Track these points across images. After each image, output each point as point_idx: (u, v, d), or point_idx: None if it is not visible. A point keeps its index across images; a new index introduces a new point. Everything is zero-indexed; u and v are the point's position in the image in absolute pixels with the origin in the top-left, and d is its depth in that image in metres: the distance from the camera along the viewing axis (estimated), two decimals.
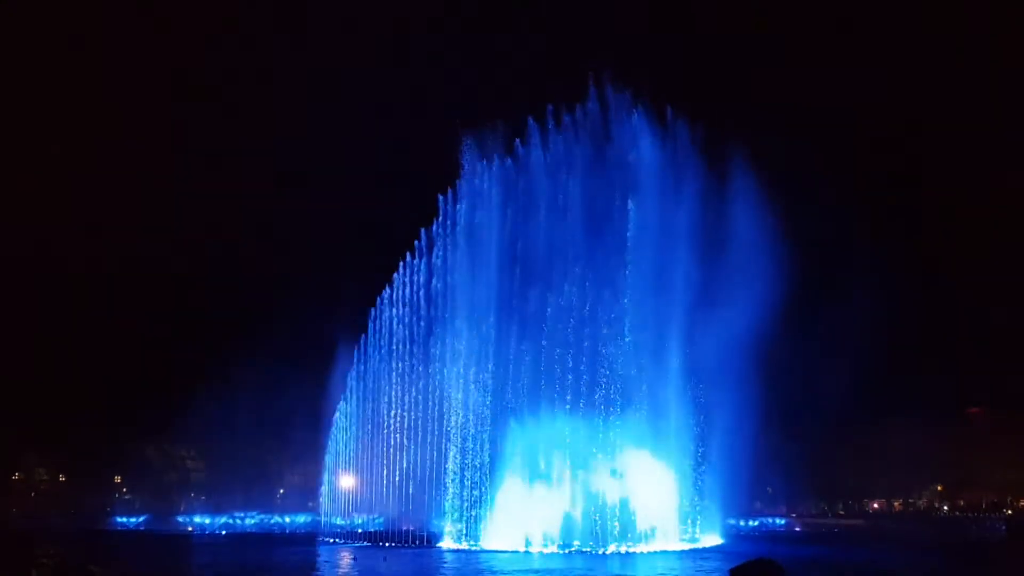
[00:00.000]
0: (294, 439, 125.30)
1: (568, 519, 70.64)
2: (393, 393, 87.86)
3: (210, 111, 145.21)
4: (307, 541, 79.91)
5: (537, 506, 71.12)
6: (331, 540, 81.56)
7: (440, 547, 72.41)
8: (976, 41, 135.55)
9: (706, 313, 76.21)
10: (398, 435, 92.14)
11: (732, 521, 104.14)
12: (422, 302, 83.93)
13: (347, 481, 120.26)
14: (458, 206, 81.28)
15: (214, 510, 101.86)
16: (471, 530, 75.41)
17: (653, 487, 71.61)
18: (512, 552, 65.72)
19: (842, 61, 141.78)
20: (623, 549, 67.08)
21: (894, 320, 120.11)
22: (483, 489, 76.53)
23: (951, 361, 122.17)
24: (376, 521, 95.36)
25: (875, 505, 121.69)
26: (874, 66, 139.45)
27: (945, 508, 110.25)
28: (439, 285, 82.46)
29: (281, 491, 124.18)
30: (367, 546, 75.36)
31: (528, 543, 68.95)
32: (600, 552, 66.15)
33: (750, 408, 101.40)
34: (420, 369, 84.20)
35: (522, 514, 71.12)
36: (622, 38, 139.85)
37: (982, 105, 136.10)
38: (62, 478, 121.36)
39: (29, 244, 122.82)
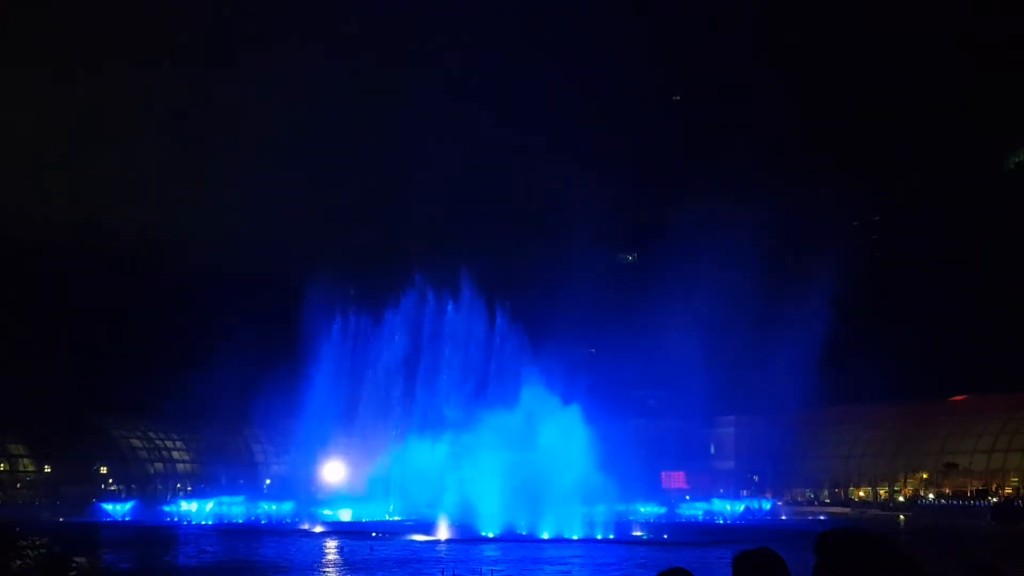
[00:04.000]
0: (279, 428, 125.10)
1: None
2: None
3: None
4: (292, 531, 79.58)
5: None
6: (317, 530, 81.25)
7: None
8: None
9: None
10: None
11: (720, 510, 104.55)
12: None
13: (333, 471, 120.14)
14: None
15: (200, 500, 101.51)
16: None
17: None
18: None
19: None
20: None
21: (877, 308, 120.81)
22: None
23: (935, 348, 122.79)
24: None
25: (860, 493, 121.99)
26: None
27: (931, 496, 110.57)
28: None
29: (267, 481, 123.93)
30: (355, 535, 75.01)
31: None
32: None
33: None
34: None
35: None
36: None
37: None
38: (47, 469, 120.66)
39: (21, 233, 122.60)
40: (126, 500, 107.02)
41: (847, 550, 4.59)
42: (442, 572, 43.47)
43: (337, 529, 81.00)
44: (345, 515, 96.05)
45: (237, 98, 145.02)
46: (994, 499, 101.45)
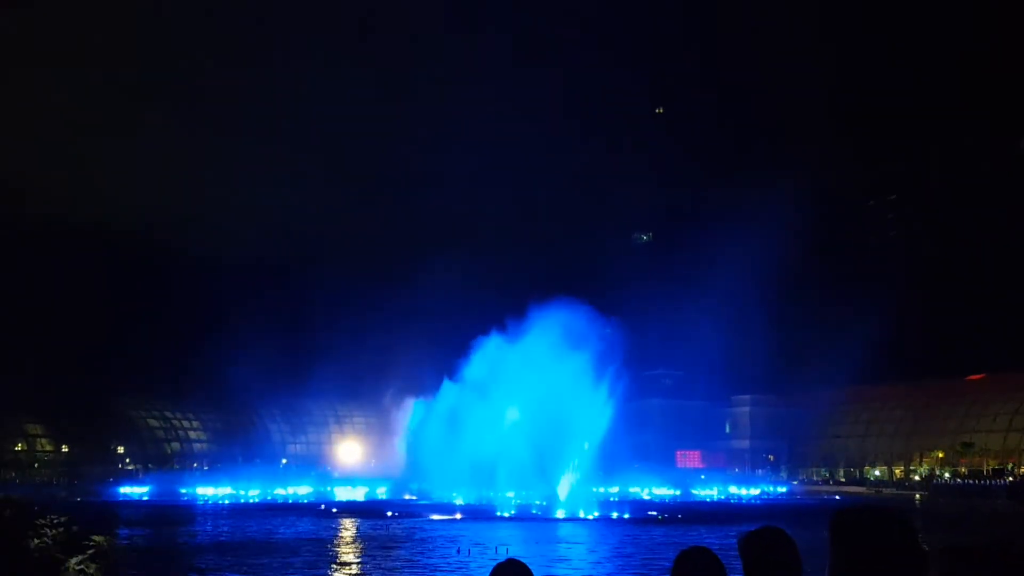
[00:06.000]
0: (295, 409, 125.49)
1: None
2: None
3: None
4: (309, 511, 79.88)
5: None
6: (333, 509, 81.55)
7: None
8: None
9: None
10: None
11: (735, 489, 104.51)
12: None
13: (349, 451, 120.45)
14: None
15: (216, 480, 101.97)
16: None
17: None
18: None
19: None
20: None
21: (895, 288, 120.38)
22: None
23: (950, 328, 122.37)
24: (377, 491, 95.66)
25: (876, 472, 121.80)
26: None
27: (947, 475, 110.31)
28: None
29: (284, 461, 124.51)
30: (371, 514, 75.26)
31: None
32: None
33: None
34: None
35: None
36: None
37: None
38: (65, 449, 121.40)
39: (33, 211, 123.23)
40: (143, 480, 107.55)
41: (864, 529, 4.51)
42: (457, 550, 43.62)
43: (353, 508, 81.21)
44: (361, 495, 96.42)
45: (246, 90, 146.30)
46: (1010, 478, 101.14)
